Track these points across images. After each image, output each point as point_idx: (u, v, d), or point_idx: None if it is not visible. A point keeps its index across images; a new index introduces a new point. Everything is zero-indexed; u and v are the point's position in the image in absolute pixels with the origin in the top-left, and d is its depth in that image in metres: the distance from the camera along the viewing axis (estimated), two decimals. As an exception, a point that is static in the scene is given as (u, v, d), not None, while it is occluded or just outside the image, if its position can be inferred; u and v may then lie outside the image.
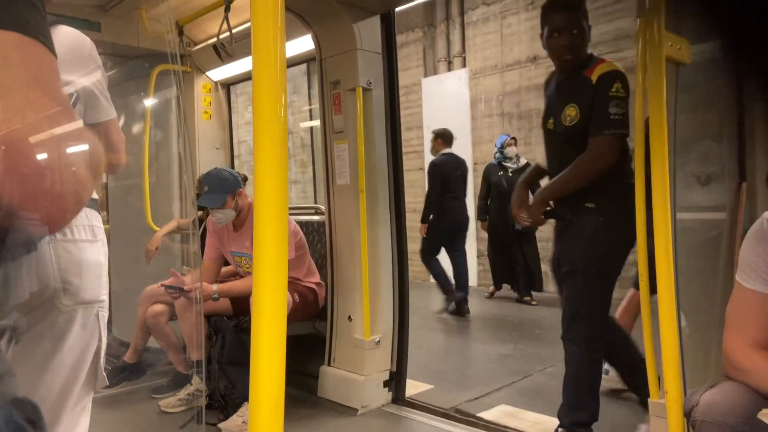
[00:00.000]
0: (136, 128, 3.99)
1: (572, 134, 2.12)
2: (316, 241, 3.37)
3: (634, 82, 1.77)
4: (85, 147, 0.59)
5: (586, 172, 2.08)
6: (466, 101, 6.89)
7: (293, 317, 2.73)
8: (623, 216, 1.96)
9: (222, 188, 2.86)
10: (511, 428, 2.57)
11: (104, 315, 1.27)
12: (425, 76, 7.35)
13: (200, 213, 3.51)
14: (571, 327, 2.17)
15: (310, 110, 7.83)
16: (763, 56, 1.78)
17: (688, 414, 1.30)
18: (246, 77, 4.00)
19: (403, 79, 6.72)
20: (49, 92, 0.58)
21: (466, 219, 5.28)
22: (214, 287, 2.79)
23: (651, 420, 1.89)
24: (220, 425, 2.64)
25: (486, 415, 2.76)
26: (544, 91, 2.43)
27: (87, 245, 1.23)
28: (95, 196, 1.35)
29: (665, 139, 1.44)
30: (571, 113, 2.10)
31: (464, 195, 5.29)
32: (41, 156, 0.54)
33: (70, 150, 0.58)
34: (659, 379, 1.85)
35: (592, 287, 2.14)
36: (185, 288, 2.73)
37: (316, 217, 3.44)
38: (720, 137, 1.82)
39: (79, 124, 0.61)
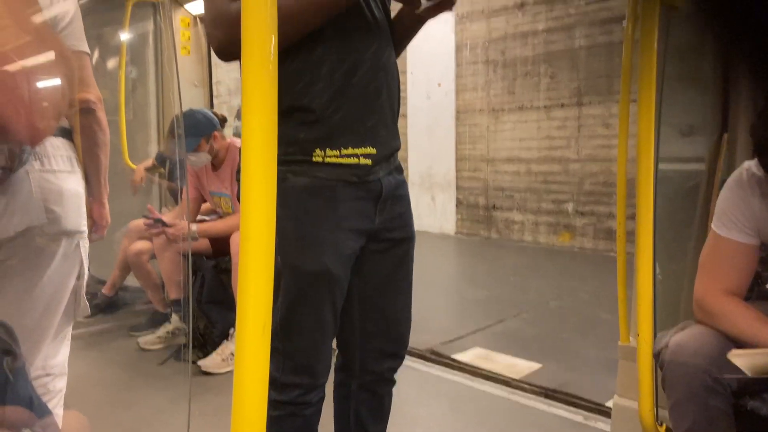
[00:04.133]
0: (111, 63, 3.85)
1: None
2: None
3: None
4: (59, 60, 0.57)
5: None
6: (452, 46, 6.78)
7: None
8: None
9: (195, 132, 2.76)
10: (484, 370, 2.65)
11: (85, 245, 1.26)
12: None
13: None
14: (401, 352, 1.50)
15: None
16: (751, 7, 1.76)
17: (656, 355, 1.35)
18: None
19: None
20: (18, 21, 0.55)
21: None
22: (194, 227, 2.77)
23: (619, 364, 1.96)
24: (199, 363, 2.67)
25: (460, 356, 2.84)
26: None
27: (66, 175, 1.21)
28: (69, 126, 1.32)
29: (653, 90, 1.43)
30: None
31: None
32: (17, 67, 0.52)
33: (44, 62, 0.56)
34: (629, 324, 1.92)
35: None
36: (167, 222, 2.71)
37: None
38: (705, 87, 1.82)
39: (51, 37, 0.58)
